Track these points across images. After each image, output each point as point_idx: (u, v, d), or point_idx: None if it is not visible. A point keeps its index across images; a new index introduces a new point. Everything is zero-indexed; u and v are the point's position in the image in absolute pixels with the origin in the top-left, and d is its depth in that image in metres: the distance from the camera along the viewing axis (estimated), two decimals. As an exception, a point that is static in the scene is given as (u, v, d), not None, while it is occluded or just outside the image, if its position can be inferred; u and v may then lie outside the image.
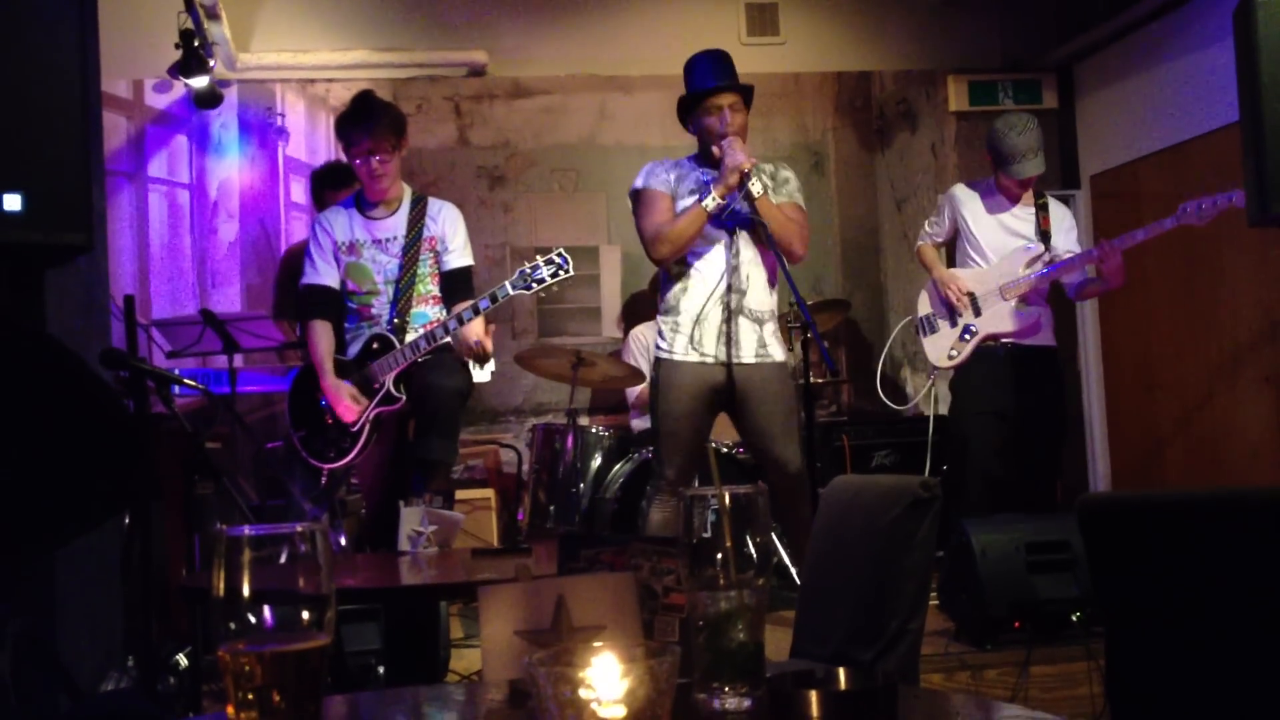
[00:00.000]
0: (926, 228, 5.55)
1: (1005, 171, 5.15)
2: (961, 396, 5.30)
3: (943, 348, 5.27)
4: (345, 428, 4.64)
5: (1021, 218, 5.25)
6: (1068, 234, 5.24)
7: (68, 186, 3.13)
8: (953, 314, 5.26)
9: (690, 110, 4.52)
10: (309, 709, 1.08)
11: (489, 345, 4.55)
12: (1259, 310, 6.00)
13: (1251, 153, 3.75)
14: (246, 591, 1.07)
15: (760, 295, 4.47)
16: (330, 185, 5.61)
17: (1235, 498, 1.61)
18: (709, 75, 4.47)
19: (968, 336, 5.20)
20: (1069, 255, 5.14)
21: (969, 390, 5.26)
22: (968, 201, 5.34)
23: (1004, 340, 5.17)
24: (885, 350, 6.46)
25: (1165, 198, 6.63)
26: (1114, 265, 4.96)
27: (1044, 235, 5.20)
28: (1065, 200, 7.04)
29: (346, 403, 4.59)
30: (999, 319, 5.16)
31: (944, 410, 6.49)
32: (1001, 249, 5.23)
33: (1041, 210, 5.24)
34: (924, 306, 5.42)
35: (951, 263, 5.44)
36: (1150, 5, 6.51)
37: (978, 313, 5.21)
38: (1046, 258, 5.16)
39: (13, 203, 3.04)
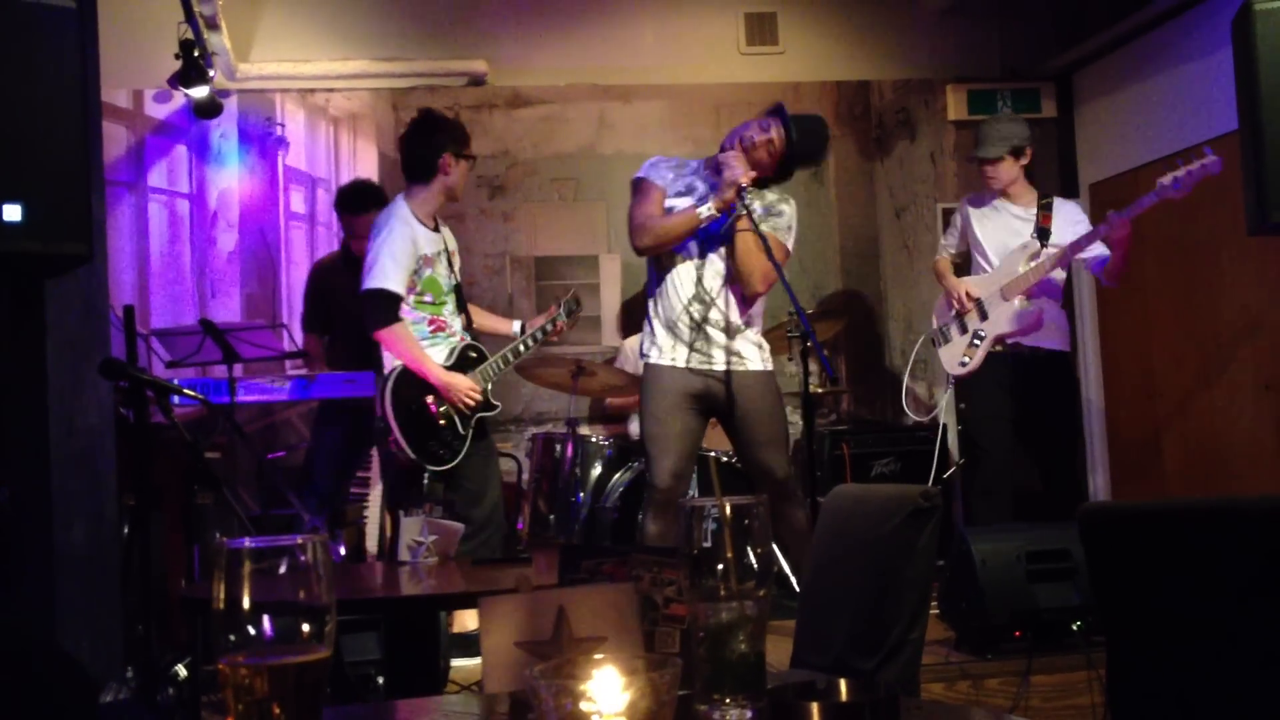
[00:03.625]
0: (942, 240, 5.71)
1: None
2: (972, 403, 5.41)
3: (955, 355, 5.36)
4: (455, 428, 4.64)
5: (1023, 218, 5.34)
6: (1074, 227, 5.23)
7: (68, 196, 3.13)
8: (963, 321, 5.34)
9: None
10: (309, 721, 1.07)
11: None
12: (1258, 317, 6.00)
13: (1251, 161, 3.76)
14: (247, 603, 1.07)
15: (729, 306, 4.45)
16: (351, 209, 5.63)
17: (1236, 507, 1.61)
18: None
19: (977, 342, 5.27)
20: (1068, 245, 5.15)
21: (979, 396, 5.35)
22: (973, 210, 5.48)
23: (1013, 344, 5.22)
24: (910, 363, 6.45)
25: (1164, 206, 6.63)
26: (1123, 234, 4.94)
27: (1042, 233, 5.25)
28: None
29: (468, 388, 4.61)
30: (1002, 319, 5.22)
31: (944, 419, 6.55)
32: (1003, 251, 5.32)
33: (1044, 210, 5.31)
34: (937, 318, 5.54)
35: (968, 274, 5.54)
36: (1149, 14, 6.51)
37: (984, 316, 5.28)
38: (1042, 254, 5.19)
39: (13, 213, 3.04)
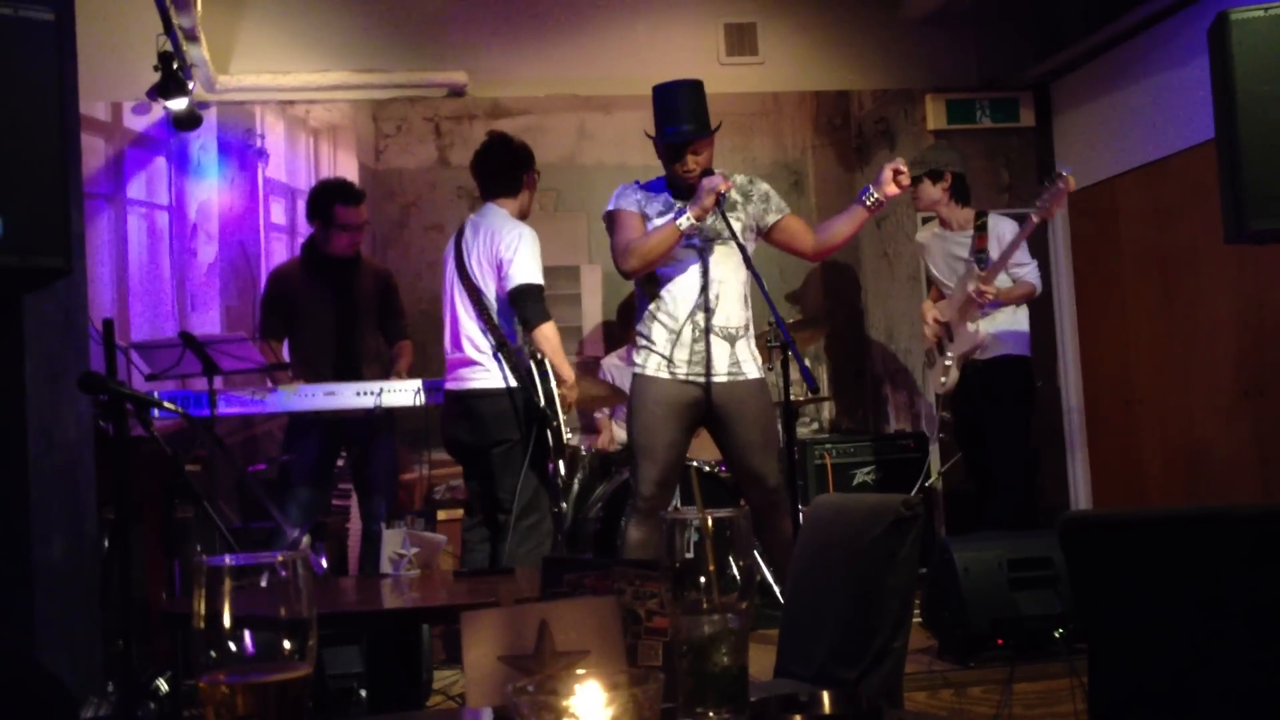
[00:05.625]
0: None
1: None
2: (951, 414, 5.86)
3: (938, 376, 5.74)
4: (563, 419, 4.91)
5: (962, 242, 5.67)
6: (997, 245, 5.54)
7: (46, 209, 3.12)
8: (941, 344, 5.71)
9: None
10: (291, 738, 1.07)
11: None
12: (1237, 325, 6.03)
13: (1228, 169, 3.77)
14: (227, 620, 1.06)
15: (732, 312, 4.46)
16: (350, 200, 5.60)
17: (1216, 515, 1.62)
18: (671, 117, 4.51)
19: (948, 363, 5.62)
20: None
21: (954, 409, 5.79)
22: (923, 241, 5.96)
23: (974, 359, 5.57)
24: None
25: (1143, 214, 6.68)
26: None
27: (978, 255, 5.54)
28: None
29: (574, 381, 4.92)
30: (962, 341, 5.56)
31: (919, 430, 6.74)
32: (953, 275, 5.69)
33: (979, 230, 5.61)
34: (925, 342, 5.94)
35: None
36: (1126, 23, 6.54)
37: (951, 339, 5.63)
38: (977, 274, 5.51)
39: (-10, 227, 3.02)
